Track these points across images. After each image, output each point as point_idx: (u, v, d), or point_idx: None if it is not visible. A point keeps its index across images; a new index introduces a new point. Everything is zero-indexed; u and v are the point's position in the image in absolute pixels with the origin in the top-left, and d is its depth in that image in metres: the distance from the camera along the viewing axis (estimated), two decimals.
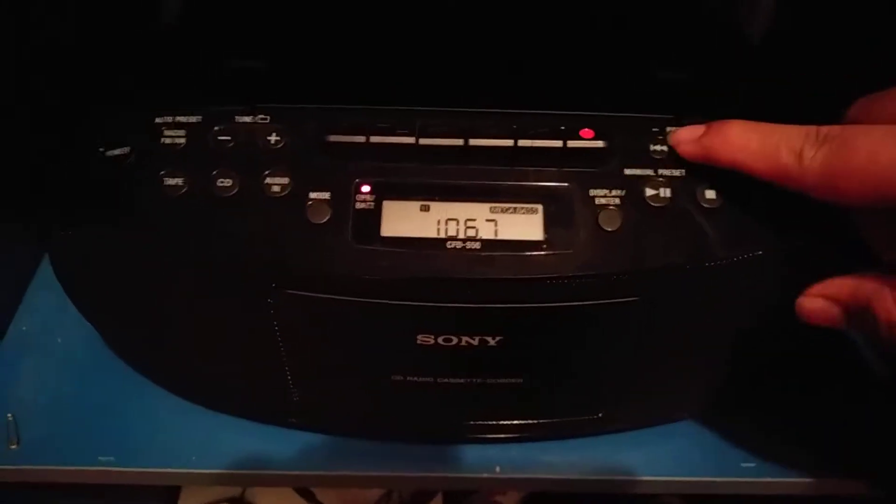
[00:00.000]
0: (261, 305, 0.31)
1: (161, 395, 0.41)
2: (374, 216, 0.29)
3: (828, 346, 0.43)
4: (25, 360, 0.43)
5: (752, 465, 0.40)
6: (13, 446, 0.39)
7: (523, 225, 0.29)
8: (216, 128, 0.31)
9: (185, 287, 0.32)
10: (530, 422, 0.38)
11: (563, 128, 0.31)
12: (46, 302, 0.46)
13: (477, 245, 0.29)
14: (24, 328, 0.45)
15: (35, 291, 0.46)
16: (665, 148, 0.30)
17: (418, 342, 0.32)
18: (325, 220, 0.29)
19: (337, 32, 0.35)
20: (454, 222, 0.29)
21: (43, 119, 0.43)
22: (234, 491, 0.72)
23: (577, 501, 0.69)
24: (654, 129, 0.31)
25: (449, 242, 0.29)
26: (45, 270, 0.47)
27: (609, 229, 0.29)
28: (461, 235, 0.29)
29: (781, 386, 0.40)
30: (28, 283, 0.47)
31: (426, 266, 0.29)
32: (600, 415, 0.38)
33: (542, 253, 0.29)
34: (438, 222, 0.29)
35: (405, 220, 0.29)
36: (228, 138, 0.31)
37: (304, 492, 0.68)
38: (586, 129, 0.31)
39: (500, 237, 0.29)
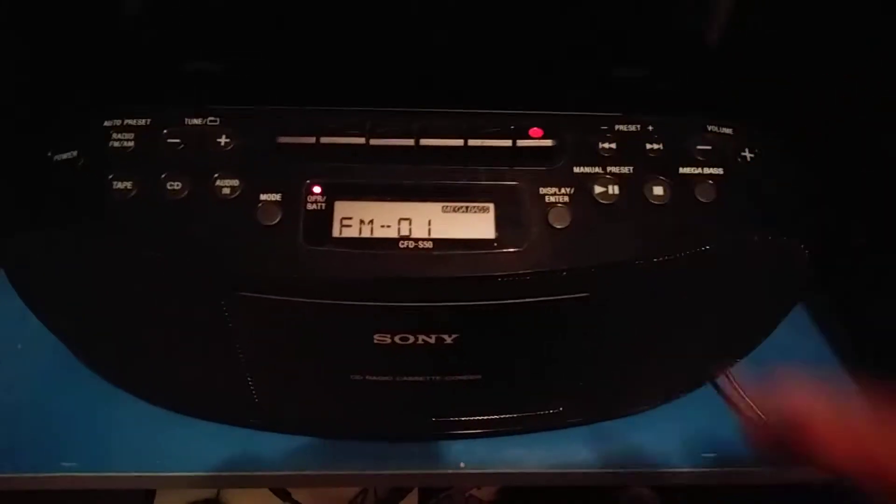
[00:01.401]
0: (214, 308, 0.31)
1: (124, 399, 0.41)
2: (326, 217, 0.29)
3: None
4: None
5: (713, 454, 0.41)
6: None
7: (475, 224, 0.30)
8: (165, 130, 0.31)
9: (138, 291, 0.32)
10: (492, 417, 0.38)
11: (512, 127, 0.31)
12: (6, 309, 0.45)
13: (429, 244, 0.29)
14: None
15: None
16: (613, 146, 0.31)
17: (375, 342, 0.32)
18: (275, 221, 0.29)
19: (286, 34, 0.35)
20: (406, 222, 0.30)
21: None
22: (209, 491, 0.72)
23: (552, 494, 0.70)
24: (602, 128, 0.31)
25: (401, 242, 0.29)
26: (3, 277, 0.46)
27: (559, 227, 0.29)
28: (413, 235, 0.29)
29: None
30: None
31: (379, 266, 0.29)
32: (561, 409, 0.38)
33: (494, 251, 0.29)
34: (390, 222, 0.29)
35: (356, 220, 0.29)
36: (178, 141, 0.31)
37: (279, 491, 0.68)
38: (535, 129, 0.31)
39: (452, 236, 0.29)
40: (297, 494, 0.69)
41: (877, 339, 0.44)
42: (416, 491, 0.73)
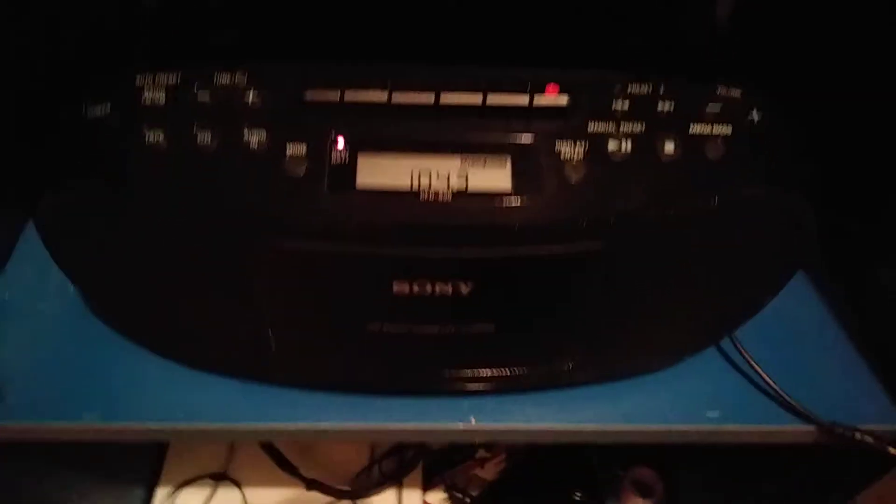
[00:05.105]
0: (241, 256, 0.32)
1: (144, 355, 0.42)
2: (349, 169, 0.31)
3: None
4: (7, 326, 0.44)
5: (717, 413, 0.42)
6: None
7: (492, 176, 0.31)
8: (195, 87, 0.32)
9: (167, 241, 0.33)
10: (503, 372, 0.40)
11: (529, 84, 0.32)
12: (27, 273, 0.46)
13: (448, 196, 0.30)
14: (6, 297, 0.45)
15: (16, 264, 0.47)
16: (626, 104, 0.32)
17: (394, 290, 0.33)
18: (301, 173, 0.30)
19: None
20: (426, 174, 0.31)
21: (24, 91, 0.44)
22: (217, 465, 0.73)
23: (556, 475, 0.72)
24: (616, 87, 0.32)
25: (422, 194, 0.30)
26: (25, 244, 0.48)
27: (573, 180, 0.31)
28: (434, 187, 0.31)
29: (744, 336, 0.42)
30: (9, 257, 0.47)
31: (400, 215, 0.30)
32: (570, 366, 0.39)
33: (511, 202, 0.31)
34: (411, 174, 0.31)
35: (379, 172, 0.31)
36: (207, 96, 0.32)
37: (286, 465, 0.69)
38: (552, 86, 0.32)
39: (470, 188, 0.31)
40: (303, 468, 0.70)
41: (877, 304, 0.45)
42: (420, 468, 0.74)
